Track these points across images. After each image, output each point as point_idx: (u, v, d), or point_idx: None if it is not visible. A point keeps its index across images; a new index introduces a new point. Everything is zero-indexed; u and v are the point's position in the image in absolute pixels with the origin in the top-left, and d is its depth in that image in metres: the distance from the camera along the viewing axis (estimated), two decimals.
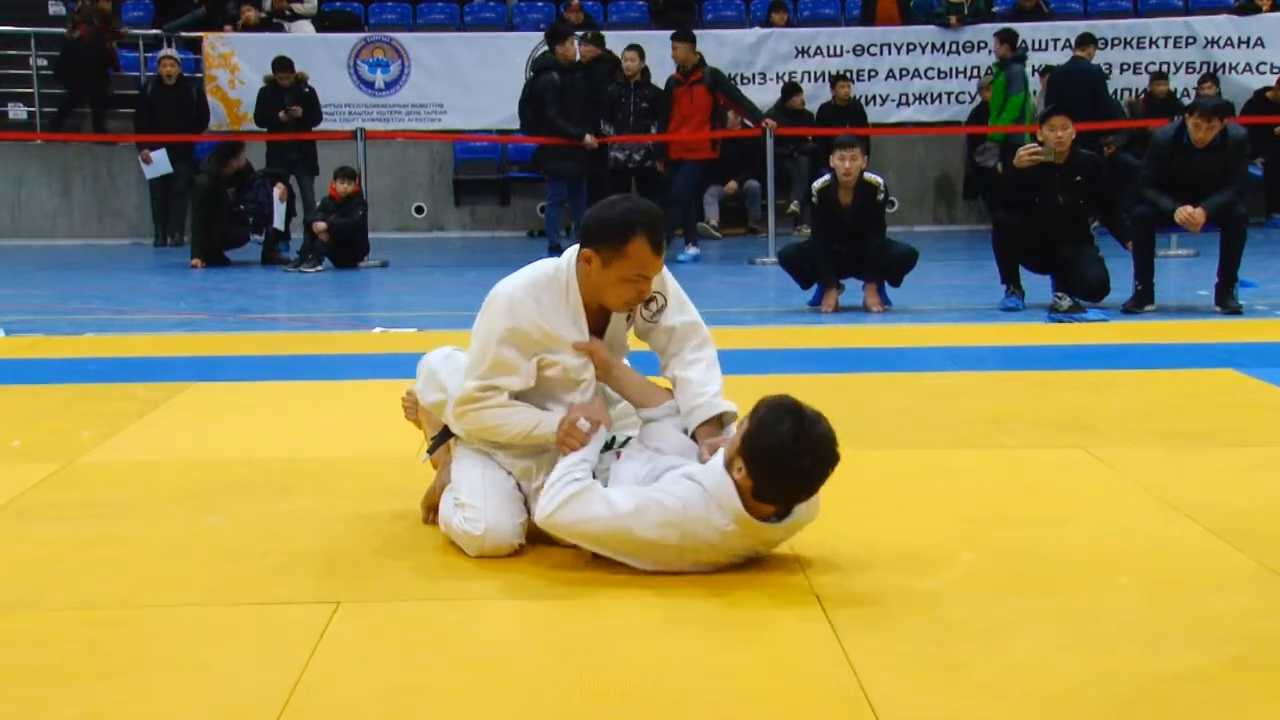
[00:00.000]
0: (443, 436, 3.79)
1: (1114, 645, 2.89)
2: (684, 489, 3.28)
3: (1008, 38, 13.86)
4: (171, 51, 14.10)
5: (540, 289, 3.53)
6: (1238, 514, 3.85)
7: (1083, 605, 3.15)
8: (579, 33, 12.82)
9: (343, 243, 11.86)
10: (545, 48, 12.49)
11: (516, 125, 12.99)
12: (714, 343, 3.67)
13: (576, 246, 3.56)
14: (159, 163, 13.84)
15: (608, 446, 3.53)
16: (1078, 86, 12.93)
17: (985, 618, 3.07)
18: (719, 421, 3.54)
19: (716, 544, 3.28)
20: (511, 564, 3.49)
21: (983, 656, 2.84)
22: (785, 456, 3.16)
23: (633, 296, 3.51)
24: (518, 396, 3.56)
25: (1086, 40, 13.96)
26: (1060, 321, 8.02)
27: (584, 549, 3.42)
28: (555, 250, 12.08)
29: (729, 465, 3.27)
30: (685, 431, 3.54)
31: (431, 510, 3.85)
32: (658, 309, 3.61)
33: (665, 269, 3.59)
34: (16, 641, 3.00)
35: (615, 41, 14.30)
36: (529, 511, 3.54)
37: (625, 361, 3.69)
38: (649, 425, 3.59)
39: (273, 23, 15.25)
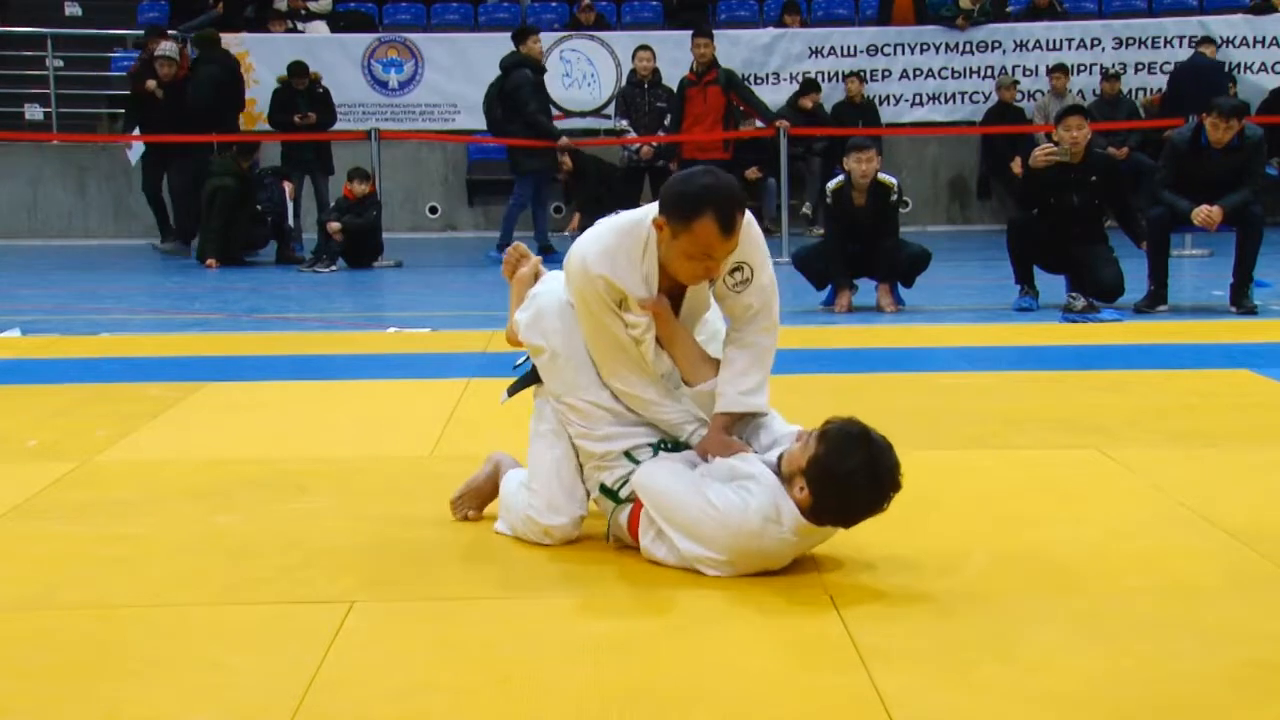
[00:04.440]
0: (526, 381, 3.77)
1: (1127, 645, 2.89)
2: (753, 497, 3.27)
3: None
4: (168, 52, 13.96)
5: (618, 242, 3.44)
6: (1252, 514, 3.84)
7: (1096, 605, 3.15)
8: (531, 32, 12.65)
9: (357, 243, 11.90)
10: (513, 47, 12.42)
11: None
12: (777, 332, 3.60)
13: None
14: (136, 147, 13.71)
15: (655, 449, 3.53)
16: (1199, 83, 12.87)
17: (998, 617, 3.07)
18: (740, 418, 3.53)
19: (771, 550, 3.30)
20: (526, 564, 3.50)
21: (996, 656, 2.84)
22: (856, 491, 3.22)
23: (700, 274, 3.41)
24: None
25: (1206, 40, 14.19)
26: (1074, 322, 8.01)
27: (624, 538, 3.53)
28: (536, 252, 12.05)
29: (789, 480, 3.29)
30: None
31: (466, 500, 3.89)
32: (742, 280, 3.50)
33: (761, 240, 3.51)
34: (31, 639, 3.01)
35: (628, 41, 14.31)
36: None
37: (685, 330, 3.58)
38: (687, 390, 3.57)
39: (286, 23, 15.26)
